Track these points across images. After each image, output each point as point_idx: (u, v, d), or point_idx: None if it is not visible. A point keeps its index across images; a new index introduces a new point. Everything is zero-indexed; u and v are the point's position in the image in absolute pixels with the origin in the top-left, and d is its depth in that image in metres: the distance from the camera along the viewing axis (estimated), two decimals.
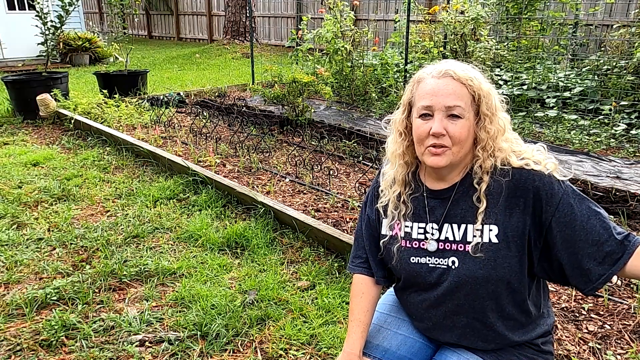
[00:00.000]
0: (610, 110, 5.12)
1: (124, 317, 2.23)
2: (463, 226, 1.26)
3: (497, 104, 1.25)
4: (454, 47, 6.31)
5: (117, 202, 3.53)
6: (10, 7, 10.44)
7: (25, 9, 10.55)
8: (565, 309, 2.32)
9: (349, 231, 3.01)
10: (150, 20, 17.79)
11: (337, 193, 3.67)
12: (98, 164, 4.33)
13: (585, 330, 2.16)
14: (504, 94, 1.34)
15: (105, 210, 3.41)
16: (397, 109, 1.35)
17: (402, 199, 1.34)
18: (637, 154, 4.45)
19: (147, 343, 2.09)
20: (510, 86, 5.89)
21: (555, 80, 5.85)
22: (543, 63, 6.38)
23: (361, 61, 6.46)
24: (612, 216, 3.16)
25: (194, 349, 2.05)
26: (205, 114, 6.01)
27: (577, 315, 2.27)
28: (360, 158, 4.43)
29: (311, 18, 10.38)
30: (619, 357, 2.00)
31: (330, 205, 3.45)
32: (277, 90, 5.39)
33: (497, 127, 1.23)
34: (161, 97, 6.58)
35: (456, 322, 1.29)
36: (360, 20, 10.56)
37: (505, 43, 6.61)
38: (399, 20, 7.47)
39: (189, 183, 3.75)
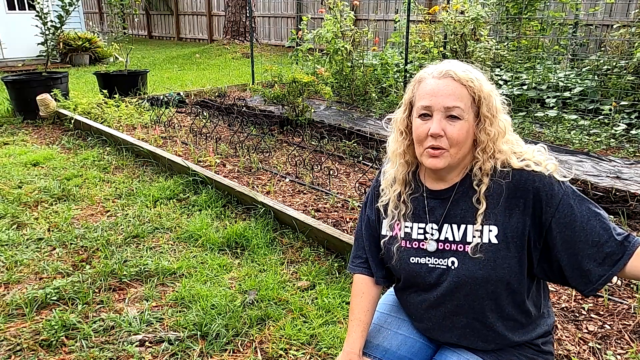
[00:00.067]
0: (610, 110, 5.12)
1: (124, 317, 2.23)
2: (463, 226, 1.26)
3: (498, 106, 1.25)
4: (454, 47, 6.31)
5: (117, 202, 3.53)
6: (10, 7, 10.44)
7: (25, 9, 10.55)
8: (565, 309, 2.32)
9: (349, 231, 3.01)
10: (150, 20, 17.79)
11: (337, 193, 3.67)
12: (98, 164, 4.33)
13: (585, 330, 2.16)
14: (504, 94, 1.33)
15: (105, 210, 3.41)
16: (399, 107, 1.35)
17: (402, 199, 1.34)
18: (637, 154, 4.44)
19: (147, 343, 2.09)
20: (510, 86, 5.89)
21: (555, 80, 5.85)
22: (543, 63, 6.38)
23: (361, 61, 6.46)
24: (612, 216, 3.16)
25: (194, 349, 2.05)
26: (205, 114, 6.00)
27: (577, 315, 2.27)
28: (360, 158, 4.43)
29: (311, 18, 10.37)
30: (619, 357, 2.00)
31: (330, 205, 3.46)
32: (277, 90, 5.38)
33: (498, 129, 1.23)
34: (161, 97, 6.58)
35: (456, 323, 1.29)
36: (360, 20, 10.56)
37: (505, 43, 6.60)
38: (399, 20, 7.47)
39: (189, 183, 3.75)
